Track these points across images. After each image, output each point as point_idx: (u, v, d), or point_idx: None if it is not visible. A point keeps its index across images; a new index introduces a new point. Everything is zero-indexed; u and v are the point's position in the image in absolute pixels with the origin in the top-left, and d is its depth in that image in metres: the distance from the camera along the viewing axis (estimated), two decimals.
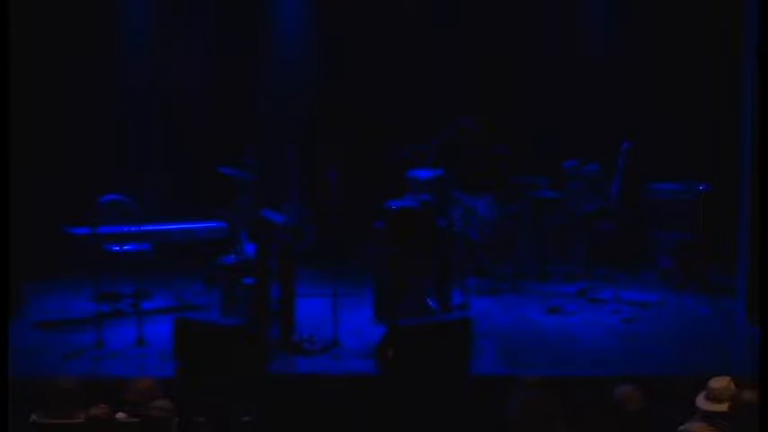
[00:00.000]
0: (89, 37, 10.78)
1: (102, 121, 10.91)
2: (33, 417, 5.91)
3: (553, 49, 11.28)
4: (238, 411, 6.00)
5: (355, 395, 7.25)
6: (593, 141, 10.63)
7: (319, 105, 11.21)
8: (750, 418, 5.23)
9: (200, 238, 9.52)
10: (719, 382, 5.55)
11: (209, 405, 5.82)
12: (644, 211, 10.40)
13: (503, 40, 11.25)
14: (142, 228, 8.74)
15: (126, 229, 8.76)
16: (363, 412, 7.12)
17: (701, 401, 5.54)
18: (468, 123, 10.12)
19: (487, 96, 11.04)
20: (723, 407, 5.44)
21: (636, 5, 11.04)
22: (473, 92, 11.01)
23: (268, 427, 6.51)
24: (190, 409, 5.79)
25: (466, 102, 10.62)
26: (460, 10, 11.22)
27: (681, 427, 5.50)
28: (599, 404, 5.80)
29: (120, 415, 5.76)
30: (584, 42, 11.31)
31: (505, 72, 11.26)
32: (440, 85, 11.11)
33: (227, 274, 8.72)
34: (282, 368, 7.72)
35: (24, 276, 9.31)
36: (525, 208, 10.54)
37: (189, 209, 9.79)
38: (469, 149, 10.08)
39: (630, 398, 5.48)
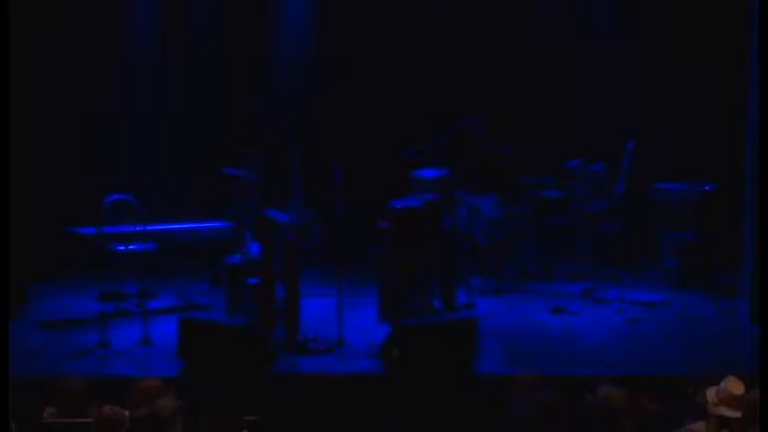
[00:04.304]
0: (92, 35, 10.79)
1: (107, 119, 10.92)
2: (44, 415, 5.92)
3: (558, 48, 11.27)
4: (243, 411, 6.00)
5: (360, 395, 7.25)
6: (598, 141, 10.62)
7: (324, 105, 11.21)
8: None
9: (206, 238, 9.53)
10: (736, 387, 5.51)
11: (214, 405, 5.82)
12: (649, 211, 10.39)
13: (508, 39, 11.25)
14: (147, 227, 8.74)
15: (131, 228, 8.75)
16: (368, 412, 7.12)
17: (715, 406, 5.50)
18: (472, 123, 10.10)
19: (492, 95, 11.03)
20: (739, 413, 5.42)
21: (641, 5, 11.03)
22: (477, 91, 11.01)
23: (273, 426, 6.51)
24: (195, 408, 5.79)
25: (470, 101, 10.60)
26: (465, 8, 11.22)
27: (685, 427, 5.49)
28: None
29: (126, 414, 5.76)
30: (590, 42, 11.30)
31: (510, 71, 11.25)
32: (444, 85, 11.11)
33: (232, 274, 8.72)
34: (287, 368, 7.72)
35: (29, 276, 9.32)
36: (530, 208, 10.54)
37: (194, 209, 9.80)
38: (474, 149, 10.07)
39: (613, 398, 5.47)
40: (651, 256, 10.37)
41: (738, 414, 5.39)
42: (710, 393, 5.54)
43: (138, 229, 8.68)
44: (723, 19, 10.09)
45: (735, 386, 5.51)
